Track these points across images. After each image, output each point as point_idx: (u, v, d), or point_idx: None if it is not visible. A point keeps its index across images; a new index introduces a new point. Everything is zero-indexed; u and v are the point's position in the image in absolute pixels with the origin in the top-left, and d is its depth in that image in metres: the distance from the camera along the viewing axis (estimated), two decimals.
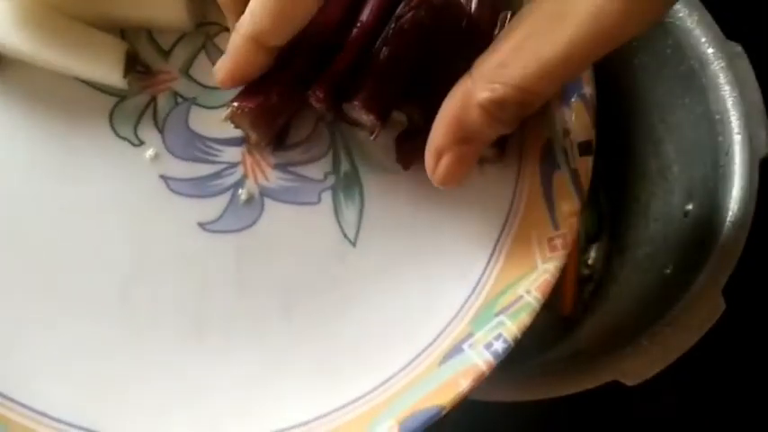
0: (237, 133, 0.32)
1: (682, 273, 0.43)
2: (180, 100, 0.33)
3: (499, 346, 0.30)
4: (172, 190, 0.31)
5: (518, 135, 0.33)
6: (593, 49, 0.24)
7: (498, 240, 0.32)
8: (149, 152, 0.32)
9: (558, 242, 0.31)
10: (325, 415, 0.29)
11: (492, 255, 0.32)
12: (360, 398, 0.29)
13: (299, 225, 0.32)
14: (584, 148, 0.32)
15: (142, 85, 0.33)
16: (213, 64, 0.30)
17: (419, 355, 0.30)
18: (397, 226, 0.32)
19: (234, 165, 0.32)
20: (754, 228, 0.41)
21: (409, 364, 0.30)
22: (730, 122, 0.43)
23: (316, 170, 0.32)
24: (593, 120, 0.33)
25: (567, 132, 0.33)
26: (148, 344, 0.30)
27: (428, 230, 0.32)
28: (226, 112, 0.30)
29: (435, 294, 0.31)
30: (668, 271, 0.45)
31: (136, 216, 0.31)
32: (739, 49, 0.44)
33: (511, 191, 0.33)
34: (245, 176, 0.32)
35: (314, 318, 0.31)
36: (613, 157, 0.55)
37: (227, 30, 0.33)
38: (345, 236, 0.32)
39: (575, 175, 0.32)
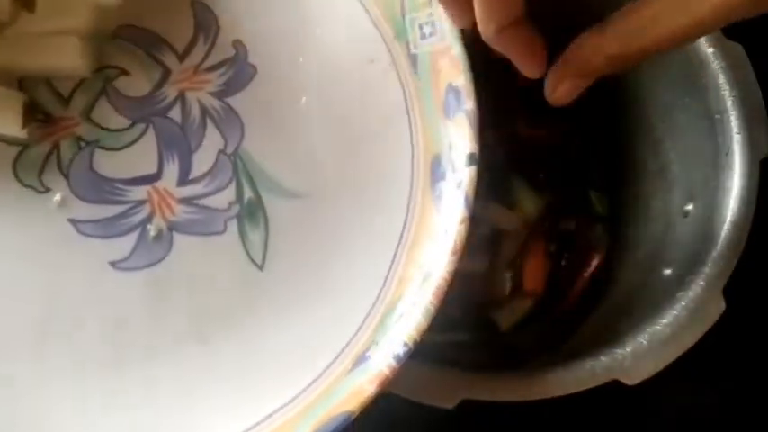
0: (143, 172, 0.33)
1: (682, 273, 0.43)
2: (83, 144, 0.34)
3: (400, 350, 0.30)
4: (81, 233, 0.32)
5: (410, 153, 0.35)
6: (723, 22, 0.29)
7: (397, 250, 0.33)
8: (56, 198, 0.32)
9: (449, 248, 0.32)
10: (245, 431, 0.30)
11: (391, 265, 0.33)
12: (276, 411, 0.30)
13: (208, 254, 0.33)
14: (470, 160, 0.33)
15: (44, 132, 0.34)
16: (113, 107, 0.31)
17: (329, 366, 0.31)
18: (301, 247, 0.34)
19: (141, 203, 0.33)
20: (754, 228, 0.41)
21: (320, 376, 0.31)
22: (730, 122, 0.43)
23: (220, 200, 0.33)
24: (474, 133, 0.34)
25: (451, 146, 0.34)
26: (68, 382, 0.30)
27: (332, 248, 0.33)
28: None
29: (341, 309, 0.32)
30: (668, 271, 0.45)
31: (46, 261, 0.32)
32: (739, 49, 0.44)
33: (405, 203, 0.34)
34: (152, 213, 0.33)
35: (229, 341, 0.32)
36: (613, 156, 0.55)
37: (126, 73, 0.33)
38: (253, 261, 0.33)
39: (460, 184, 0.33)
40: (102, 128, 0.34)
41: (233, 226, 0.33)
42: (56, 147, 0.33)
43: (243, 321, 0.32)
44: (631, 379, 0.38)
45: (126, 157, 0.33)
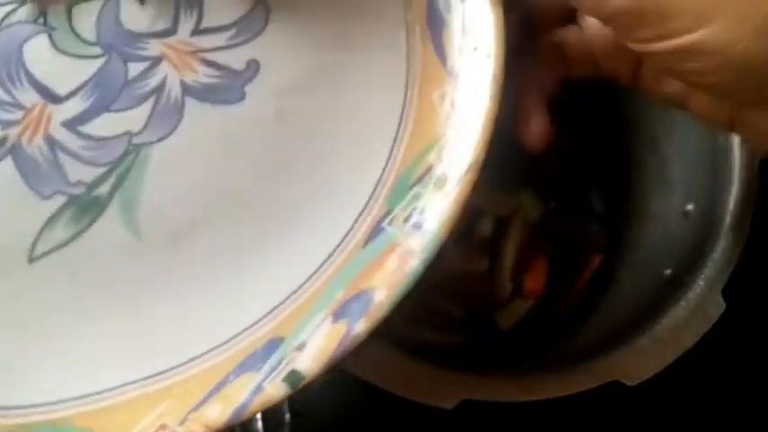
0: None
1: (682, 273, 0.43)
2: None
3: (418, 218, 0.29)
4: None
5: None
6: None
7: (402, 111, 0.32)
8: None
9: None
10: (270, 312, 0.30)
11: (398, 127, 0.32)
12: (293, 293, 0.30)
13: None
14: None
15: None
16: None
17: (342, 241, 0.30)
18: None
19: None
20: (754, 228, 0.41)
21: (333, 252, 0.30)
22: None
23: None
24: None
25: None
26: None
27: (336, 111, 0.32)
28: None
29: (350, 178, 0.31)
30: (668, 271, 0.45)
31: None
32: None
33: (404, 62, 0.32)
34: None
35: (263, 209, 0.31)
36: (612, 156, 0.55)
37: None
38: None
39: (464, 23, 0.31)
40: None
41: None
42: None
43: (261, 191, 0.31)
44: (631, 379, 0.38)
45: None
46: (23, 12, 0.31)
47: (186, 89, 0.31)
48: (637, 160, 0.53)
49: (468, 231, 0.54)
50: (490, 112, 0.29)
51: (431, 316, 0.51)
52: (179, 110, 0.31)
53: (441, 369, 0.38)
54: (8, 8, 0.31)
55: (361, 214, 0.31)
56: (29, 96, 0.30)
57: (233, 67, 0.31)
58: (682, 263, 0.44)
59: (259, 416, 0.42)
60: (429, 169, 0.30)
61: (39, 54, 0.31)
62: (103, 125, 0.31)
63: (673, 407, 0.49)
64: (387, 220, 0.30)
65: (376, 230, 0.30)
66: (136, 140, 0.31)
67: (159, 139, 0.31)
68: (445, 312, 0.52)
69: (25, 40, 0.31)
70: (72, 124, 0.31)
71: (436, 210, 0.29)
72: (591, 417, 0.46)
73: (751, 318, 0.48)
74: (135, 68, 0.31)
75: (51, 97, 0.30)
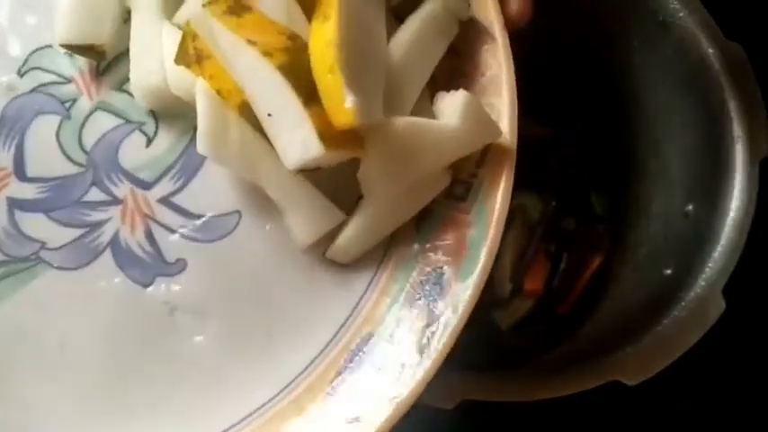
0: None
1: (682, 273, 0.43)
2: None
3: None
4: None
5: None
6: None
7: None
8: None
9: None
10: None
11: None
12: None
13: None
14: None
15: None
16: None
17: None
18: None
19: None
20: (754, 228, 0.41)
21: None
22: (730, 122, 0.43)
23: None
24: None
25: None
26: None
27: None
28: None
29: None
30: (668, 271, 0.45)
31: None
32: (739, 49, 0.44)
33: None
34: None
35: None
36: (613, 157, 0.55)
37: None
38: None
39: None
40: None
41: None
42: None
43: None
44: (631, 379, 0.38)
45: None
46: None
47: (114, 243, 0.32)
48: (637, 161, 0.53)
49: None
50: None
51: None
52: (95, 254, 0.32)
53: (441, 369, 0.38)
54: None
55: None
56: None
57: (163, 254, 0.32)
58: (682, 263, 0.44)
59: None
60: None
61: None
62: (31, 224, 0.32)
63: (673, 407, 0.49)
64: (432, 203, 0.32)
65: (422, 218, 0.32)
66: (42, 254, 0.32)
67: (57, 267, 0.32)
68: None
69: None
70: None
71: (480, 181, 0.32)
72: (591, 417, 0.46)
73: (751, 318, 0.48)
74: (94, 194, 0.33)
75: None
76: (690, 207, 0.47)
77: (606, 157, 0.56)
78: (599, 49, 0.52)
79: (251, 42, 0.29)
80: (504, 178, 0.32)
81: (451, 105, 0.31)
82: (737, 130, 0.43)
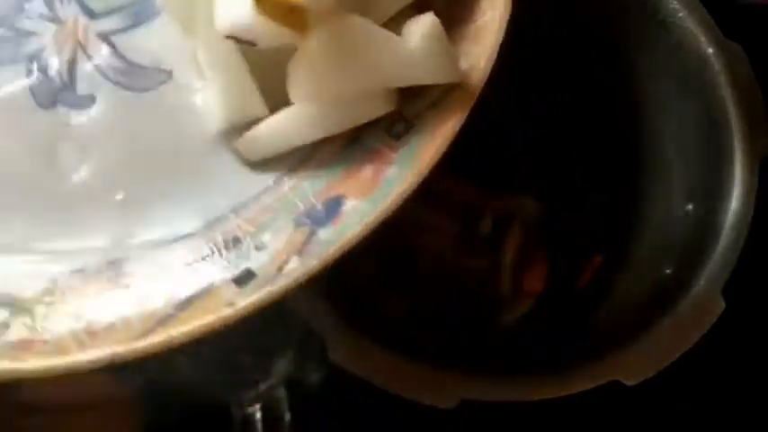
0: None
1: (682, 273, 0.43)
2: None
3: (399, 128, 0.30)
4: None
5: None
6: None
7: None
8: None
9: None
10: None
11: None
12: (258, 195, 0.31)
13: None
14: None
15: None
16: None
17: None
18: None
19: None
20: (754, 228, 0.41)
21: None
22: (730, 122, 0.43)
23: None
24: None
25: None
26: None
27: None
28: None
29: None
30: (668, 271, 0.45)
31: None
32: (739, 49, 0.44)
33: None
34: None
35: None
36: (613, 156, 0.55)
37: None
38: None
39: None
40: None
41: None
42: None
43: None
44: (631, 379, 0.38)
45: None
46: None
47: (34, 57, 0.32)
48: (637, 160, 0.53)
49: (468, 231, 0.54)
50: None
51: (430, 316, 0.51)
52: (11, 61, 0.32)
53: (441, 369, 0.38)
54: None
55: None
56: None
57: (77, 83, 0.32)
58: (682, 263, 0.44)
59: (259, 415, 0.42)
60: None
61: None
62: None
63: (673, 407, 0.49)
64: (366, 130, 0.30)
65: (353, 139, 0.30)
66: None
67: None
68: (445, 312, 0.52)
69: None
70: None
71: (422, 125, 0.29)
72: (591, 417, 0.46)
73: (751, 318, 0.48)
74: (38, 5, 0.32)
75: None
76: (690, 207, 0.46)
77: (606, 157, 0.56)
78: (598, 48, 0.52)
79: None
80: (447, 128, 0.29)
81: (415, 26, 0.28)
82: (737, 130, 0.43)
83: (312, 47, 0.27)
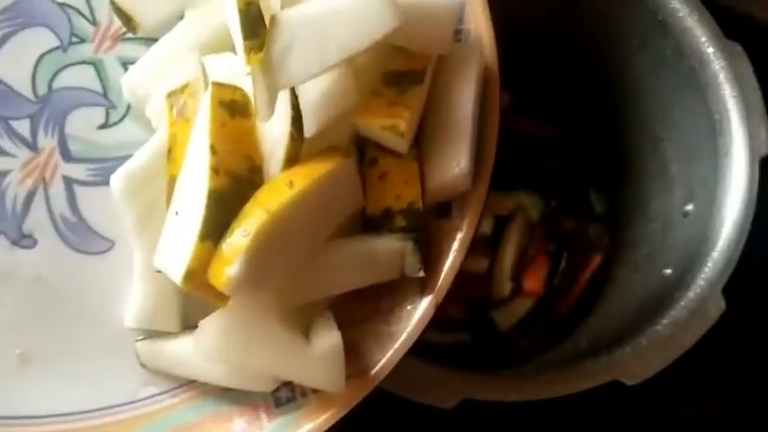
0: None
1: (682, 273, 0.43)
2: None
3: None
4: None
5: None
6: None
7: None
8: None
9: None
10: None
11: None
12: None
13: None
14: None
15: None
16: None
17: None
18: None
19: None
20: (754, 228, 0.41)
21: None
22: (730, 122, 0.43)
23: None
24: None
25: None
26: None
27: None
28: None
29: None
30: (668, 271, 0.45)
31: None
32: (739, 49, 0.44)
33: None
34: None
35: None
36: (612, 156, 0.55)
37: None
38: None
39: None
40: None
41: None
42: None
43: None
44: (631, 379, 0.38)
45: None
46: None
47: None
48: (637, 160, 0.53)
49: None
50: None
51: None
52: None
53: (441, 369, 0.38)
54: None
55: None
56: None
57: (25, 220, 0.32)
58: (682, 263, 0.44)
59: None
60: None
61: None
62: None
63: (672, 407, 0.49)
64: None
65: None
66: None
67: None
68: (445, 312, 0.52)
69: None
70: None
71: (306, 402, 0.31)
72: (591, 417, 0.46)
73: (751, 318, 0.48)
74: (22, 125, 0.33)
75: None
76: (690, 207, 0.47)
77: (606, 157, 0.56)
78: (598, 48, 0.52)
79: (213, 149, 0.28)
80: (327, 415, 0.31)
81: (323, 339, 0.30)
82: (737, 130, 0.43)
83: (228, 315, 0.28)
